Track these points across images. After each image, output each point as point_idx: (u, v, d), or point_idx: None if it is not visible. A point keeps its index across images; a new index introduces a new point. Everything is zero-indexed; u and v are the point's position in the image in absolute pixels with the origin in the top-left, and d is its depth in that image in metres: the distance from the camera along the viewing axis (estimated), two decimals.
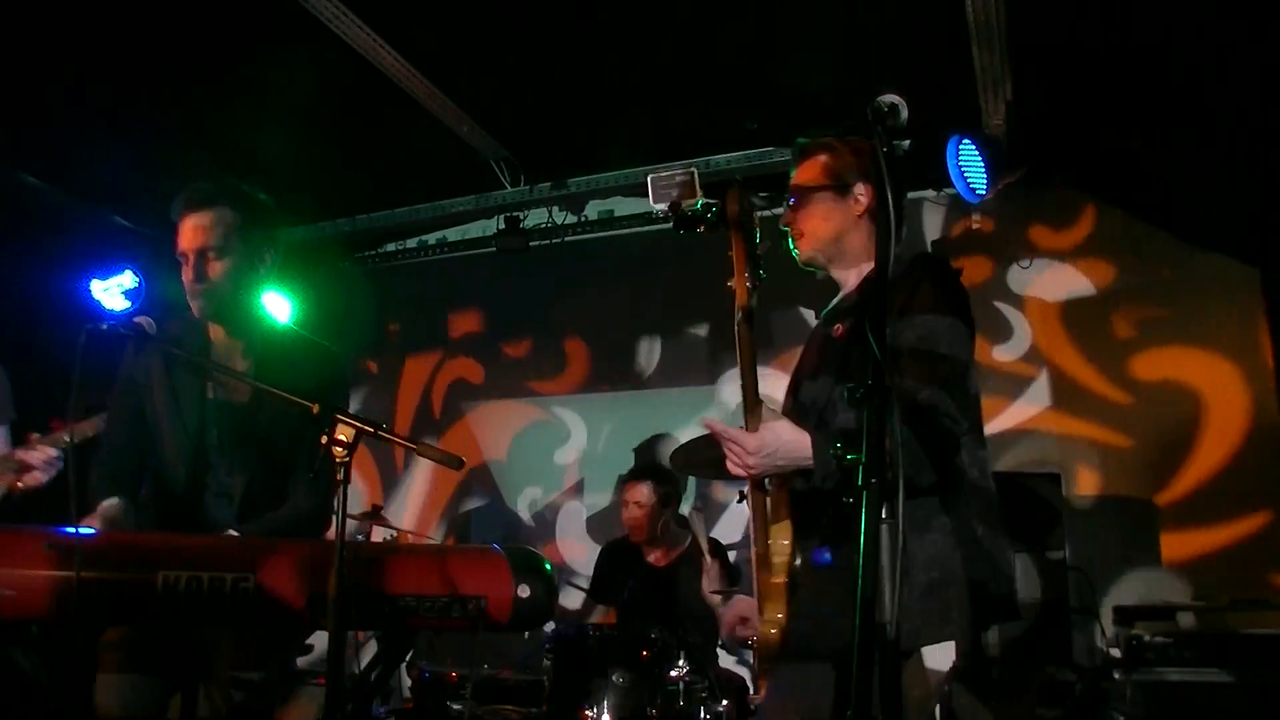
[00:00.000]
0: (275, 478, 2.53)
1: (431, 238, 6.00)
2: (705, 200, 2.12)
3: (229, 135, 4.51)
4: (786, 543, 2.07)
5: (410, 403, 6.15)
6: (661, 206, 2.20)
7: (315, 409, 2.09)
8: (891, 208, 1.68)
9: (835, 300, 2.39)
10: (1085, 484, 4.56)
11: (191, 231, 2.48)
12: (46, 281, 5.06)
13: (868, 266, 2.28)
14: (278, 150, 4.61)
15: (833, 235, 2.29)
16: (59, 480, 3.23)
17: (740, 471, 2.05)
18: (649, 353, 5.56)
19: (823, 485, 1.95)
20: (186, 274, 2.51)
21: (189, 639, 2.40)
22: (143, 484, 2.57)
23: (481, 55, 4.14)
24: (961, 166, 4.18)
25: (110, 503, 2.37)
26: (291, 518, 2.49)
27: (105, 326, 2.47)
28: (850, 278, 2.33)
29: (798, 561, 2.07)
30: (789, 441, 1.99)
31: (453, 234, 5.93)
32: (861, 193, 2.29)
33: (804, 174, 2.34)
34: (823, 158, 2.33)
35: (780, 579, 2.06)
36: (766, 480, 2.10)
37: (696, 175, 2.16)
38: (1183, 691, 3.41)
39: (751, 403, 2.04)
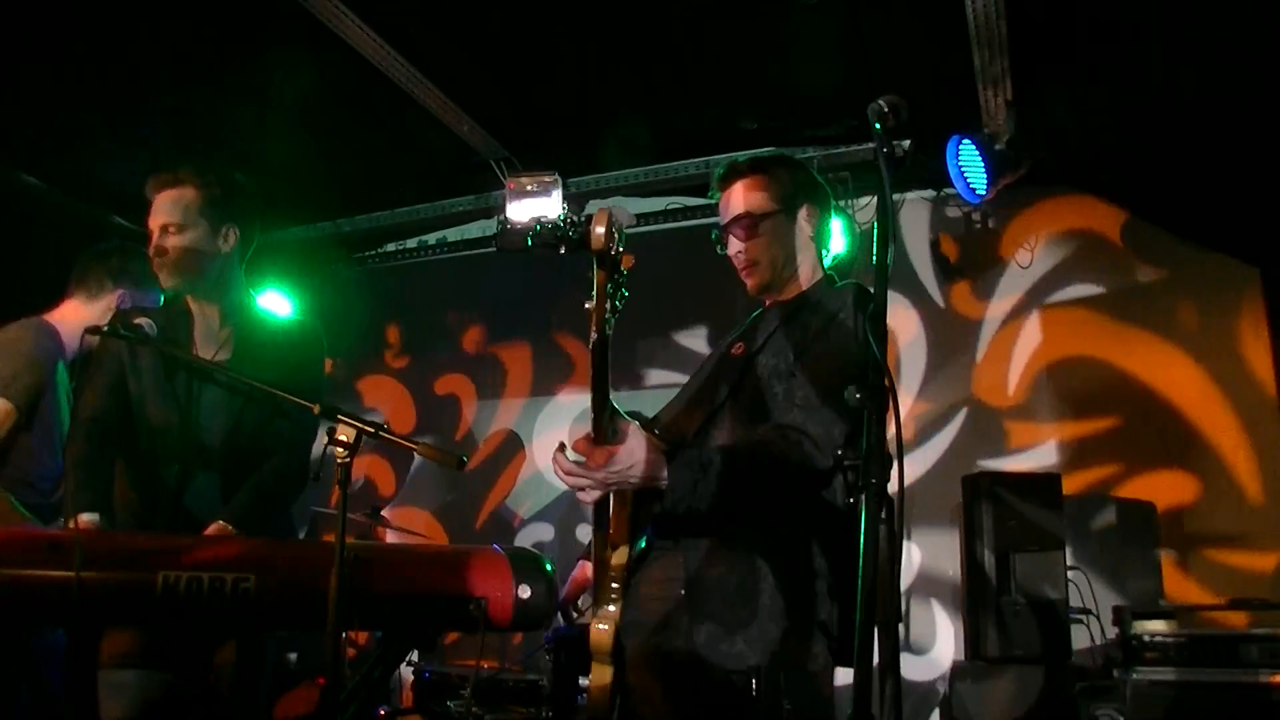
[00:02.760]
0: (258, 460, 2.56)
1: (431, 238, 6.00)
2: (570, 218, 1.95)
3: (229, 135, 4.51)
4: (622, 562, 2.04)
5: (410, 402, 6.15)
6: (521, 220, 2.06)
7: (316, 409, 2.09)
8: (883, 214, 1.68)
9: (748, 320, 2.33)
10: (1085, 484, 4.56)
11: (155, 209, 2.60)
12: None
13: (794, 290, 2.25)
14: (278, 150, 4.61)
15: (787, 260, 2.23)
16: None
17: (584, 483, 1.95)
18: (649, 353, 5.56)
19: (674, 510, 1.92)
20: (149, 248, 2.60)
21: (189, 638, 2.41)
22: (114, 468, 2.56)
23: (482, 55, 4.14)
24: (961, 166, 4.18)
25: (87, 518, 2.37)
26: (268, 481, 2.52)
27: (105, 327, 2.49)
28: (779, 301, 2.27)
29: (633, 579, 2.04)
30: (644, 459, 1.91)
31: (452, 234, 5.92)
32: (807, 215, 2.25)
33: (747, 199, 2.24)
34: (761, 179, 2.24)
35: (614, 593, 2.03)
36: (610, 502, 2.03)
37: (562, 186, 2.01)
38: (1183, 691, 3.41)
39: (602, 423, 1.94)
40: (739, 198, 2.25)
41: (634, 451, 1.90)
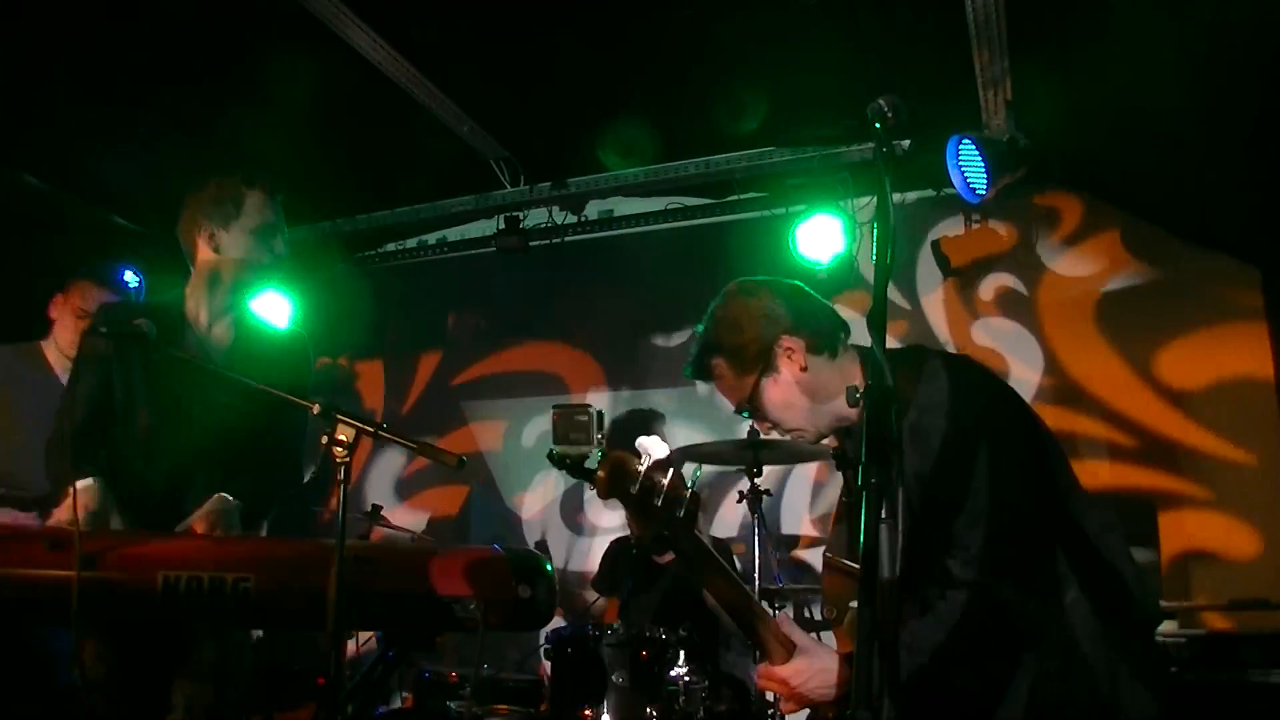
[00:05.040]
0: (254, 460, 2.56)
1: (431, 238, 6.00)
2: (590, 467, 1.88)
3: (229, 135, 4.51)
4: None
5: (410, 402, 6.15)
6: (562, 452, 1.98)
7: (315, 409, 2.09)
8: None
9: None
10: (1085, 483, 4.54)
11: (271, 223, 2.90)
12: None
13: (839, 421, 2.11)
14: (278, 150, 4.61)
15: (805, 405, 2.09)
16: None
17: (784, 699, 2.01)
18: (648, 353, 5.56)
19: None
20: (252, 251, 2.82)
21: (173, 635, 2.40)
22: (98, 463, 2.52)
23: (482, 55, 4.14)
24: (961, 166, 4.17)
25: (85, 484, 2.29)
26: (250, 495, 2.51)
27: (104, 329, 2.48)
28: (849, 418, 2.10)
29: None
30: (819, 672, 1.94)
31: (453, 234, 5.93)
32: (786, 346, 2.07)
33: (728, 392, 2.12)
34: (721, 361, 2.10)
35: None
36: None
37: (596, 418, 1.92)
38: (1183, 692, 3.41)
39: (759, 634, 1.96)
40: (722, 391, 2.16)
41: (807, 667, 1.94)
